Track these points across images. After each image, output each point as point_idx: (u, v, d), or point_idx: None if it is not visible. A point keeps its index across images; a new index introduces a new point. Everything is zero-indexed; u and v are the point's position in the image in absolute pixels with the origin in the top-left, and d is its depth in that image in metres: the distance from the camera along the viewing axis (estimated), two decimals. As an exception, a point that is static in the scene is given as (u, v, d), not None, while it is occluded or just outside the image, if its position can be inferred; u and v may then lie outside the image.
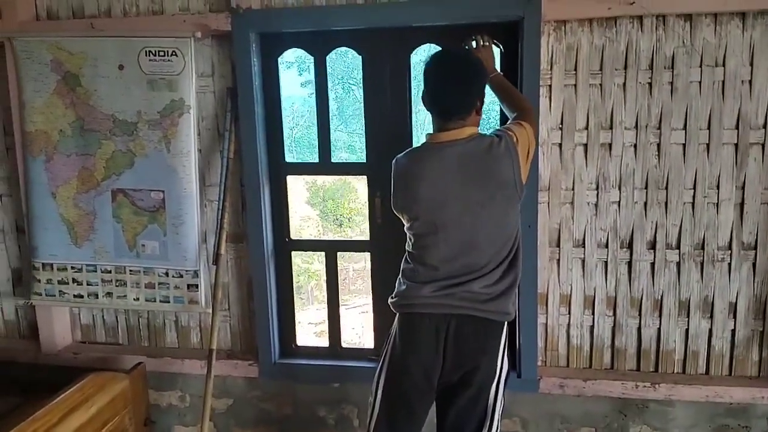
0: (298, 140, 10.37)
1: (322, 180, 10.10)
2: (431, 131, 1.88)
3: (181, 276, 2.54)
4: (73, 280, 2.62)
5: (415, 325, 1.82)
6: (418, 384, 1.82)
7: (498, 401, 1.82)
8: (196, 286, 2.53)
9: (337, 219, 10.55)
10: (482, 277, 1.78)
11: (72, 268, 2.61)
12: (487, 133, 1.86)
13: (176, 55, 2.35)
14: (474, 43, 2.11)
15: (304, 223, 10.26)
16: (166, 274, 2.55)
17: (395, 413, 1.86)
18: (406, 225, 1.89)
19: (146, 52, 2.37)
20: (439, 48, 2.35)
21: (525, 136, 1.84)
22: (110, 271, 2.59)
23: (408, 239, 1.90)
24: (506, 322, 1.84)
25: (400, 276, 1.91)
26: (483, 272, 1.78)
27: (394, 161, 1.91)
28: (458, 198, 1.77)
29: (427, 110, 1.88)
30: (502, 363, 1.83)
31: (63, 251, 2.59)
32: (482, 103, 1.86)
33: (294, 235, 2.67)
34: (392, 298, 1.90)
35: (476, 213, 1.77)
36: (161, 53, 2.36)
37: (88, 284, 2.61)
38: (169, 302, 2.58)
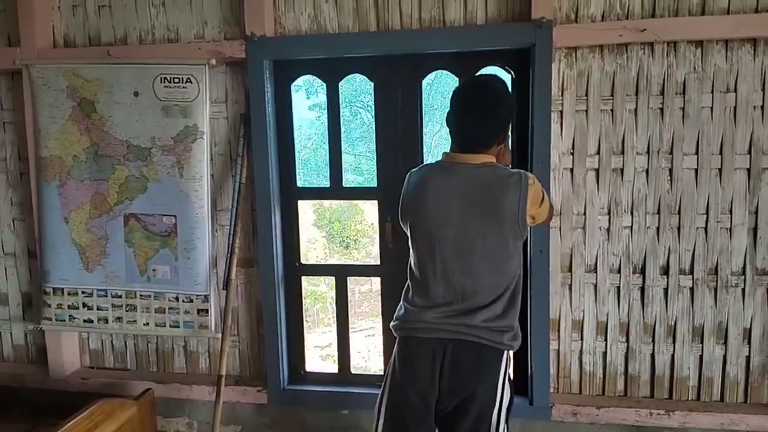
0: (305, 162, 10.43)
1: (328, 202, 10.12)
2: (448, 150, 1.88)
3: (192, 301, 2.54)
4: (84, 305, 2.62)
5: (413, 348, 1.81)
6: (417, 409, 1.79)
7: (500, 430, 1.78)
8: (206, 311, 2.53)
9: (343, 241, 10.54)
10: (484, 309, 1.76)
11: (83, 292, 2.61)
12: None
13: (191, 81, 2.38)
14: None
15: (310, 245, 10.25)
16: (177, 298, 2.55)
17: None
18: (409, 238, 1.89)
19: (161, 78, 2.40)
20: (446, 72, 2.39)
21: (541, 191, 1.83)
22: (121, 296, 2.59)
23: (410, 255, 1.90)
24: (506, 351, 1.81)
25: (402, 300, 1.91)
26: (483, 303, 1.77)
27: (408, 174, 1.93)
28: (458, 220, 1.77)
29: (449, 130, 1.89)
30: (503, 391, 1.79)
31: (74, 276, 2.60)
32: (506, 136, 1.87)
33: (301, 257, 2.67)
34: (393, 321, 1.90)
35: (473, 238, 1.75)
36: (176, 80, 2.39)
37: (98, 309, 2.61)
38: (179, 327, 2.57)
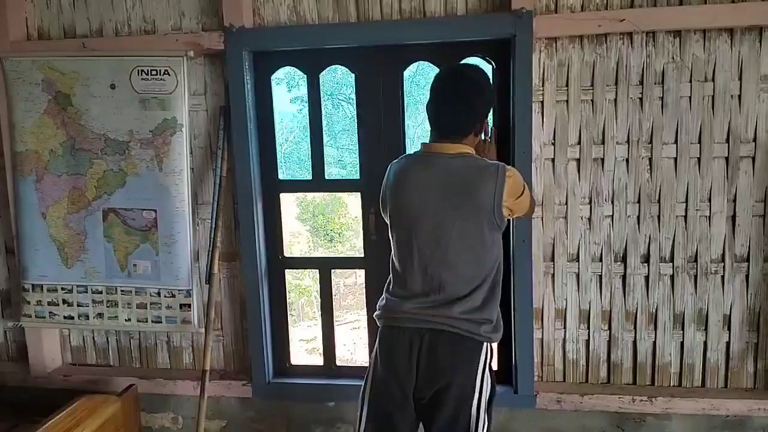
0: (288, 156, 10.38)
1: (312, 195, 10.08)
2: (427, 140, 1.88)
3: (174, 296, 2.52)
4: (64, 302, 2.59)
5: (392, 338, 1.82)
6: (396, 397, 1.81)
7: (481, 421, 1.78)
8: (189, 305, 2.51)
9: (327, 234, 10.52)
10: (462, 300, 1.77)
11: (62, 289, 2.58)
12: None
13: (169, 74, 2.35)
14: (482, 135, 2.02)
15: (294, 239, 10.21)
16: (158, 293, 2.52)
17: (380, 428, 1.85)
18: (389, 229, 1.90)
19: (138, 71, 2.36)
20: (428, 63, 2.39)
21: (520, 184, 1.83)
22: (101, 292, 2.56)
23: (391, 247, 1.90)
24: (485, 343, 1.81)
25: (384, 291, 1.92)
26: (460, 294, 1.77)
27: (388, 165, 1.93)
28: (434, 211, 1.77)
29: (428, 119, 1.88)
30: (483, 383, 1.79)
31: (53, 272, 2.56)
32: (483, 125, 1.87)
33: (285, 251, 2.65)
34: (375, 312, 1.92)
35: (449, 229, 1.76)
36: (154, 72, 2.35)
37: (78, 305, 2.58)
38: (161, 322, 2.55)
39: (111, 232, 2.50)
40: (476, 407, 1.77)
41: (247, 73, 2.40)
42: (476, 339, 1.78)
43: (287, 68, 2.54)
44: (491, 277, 1.80)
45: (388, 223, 1.89)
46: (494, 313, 1.82)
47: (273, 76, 2.52)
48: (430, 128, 1.87)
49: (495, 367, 1.89)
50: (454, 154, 1.79)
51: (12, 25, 2.50)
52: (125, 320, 2.56)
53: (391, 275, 1.91)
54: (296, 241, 10.30)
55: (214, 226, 2.46)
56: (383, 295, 1.91)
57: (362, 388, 1.90)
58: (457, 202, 1.75)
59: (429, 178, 1.79)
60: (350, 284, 10.00)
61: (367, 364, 2.59)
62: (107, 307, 2.57)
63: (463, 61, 2.30)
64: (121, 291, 2.55)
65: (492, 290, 1.81)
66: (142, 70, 2.36)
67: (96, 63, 2.40)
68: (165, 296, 2.52)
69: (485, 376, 1.80)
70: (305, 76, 2.50)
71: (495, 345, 1.88)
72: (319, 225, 10.59)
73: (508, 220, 1.94)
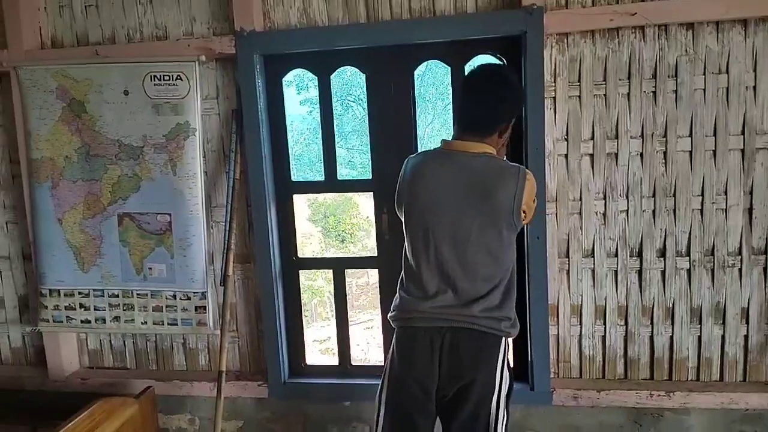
0: (298, 158, 10.42)
1: (323, 196, 10.11)
2: (448, 138, 1.87)
3: (189, 298, 2.53)
4: (81, 306, 2.61)
5: (411, 338, 1.81)
6: (417, 398, 1.80)
7: (500, 416, 1.78)
8: (204, 307, 2.53)
9: (339, 235, 10.56)
10: (481, 299, 1.76)
11: (79, 293, 2.60)
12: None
13: (181, 79, 2.37)
14: None
15: (306, 240, 10.26)
16: (174, 296, 2.54)
17: (399, 429, 1.85)
18: (403, 225, 1.88)
19: (151, 77, 2.38)
20: (438, 62, 2.38)
21: (535, 189, 1.83)
22: (117, 296, 2.58)
23: (405, 243, 1.89)
24: (504, 338, 1.81)
25: (398, 289, 1.91)
26: (479, 294, 1.77)
27: (405, 160, 1.92)
28: (453, 209, 1.76)
29: (454, 116, 1.87)
30: (502, 378, 1.80)
31: (70, 277, 2.59)
32: (508, 128, 1.86)
33: (297, 252, 2.66)
34: (391, 312, 1.90)
35: (468, 228, 1.75)
36: (166, 78, 2.37)
37: (95, 309, 2.60)
38: (177, 325, 2.56)
39: (126, 236, 2.52)
40: (496, 402, 1.77)
41: (258, 76, 2.41)
42: (497, 335, 1.78)
43: (297, 70, 2.55)
44: (507, 278, 1.80)
45: (403, 218, 1.88)
46: (512, 312, 1.81)
47: (283, 78, 2.53)
48: (454, 125, 1.86)
49: (511, 363, 1.89)
50: (476, 153, 1.78)
51: (26, 34, 2.52)
52: (141, 323, 2.58)
53: (403, 271, 1.90)
54: (308, 242, 10.34)
55: (228, 228, 2.47)
56: (397, 294, 1.90)
57: (379, 390, 1.90)
58: (477, 202, 1.74)
59: (449, 175, 1.77)
60: (362, 284, 10.03)
61: (382, 364, 2.61)
62: (123, 310, 2.59)
63: (474, 59, 2.31)
64: (137, 294, 2.57)
65: (508, 291, 1.80)
66: (155, 76, 2.38)
67: (109, 69, 2.42)
68: (180, 299, 2.54)
69: (504, 371, 1.80)
70: (315, 77, 2.50)
71: (511, 340, 1.88)
72: (331, 226, 10.63)
73: None
